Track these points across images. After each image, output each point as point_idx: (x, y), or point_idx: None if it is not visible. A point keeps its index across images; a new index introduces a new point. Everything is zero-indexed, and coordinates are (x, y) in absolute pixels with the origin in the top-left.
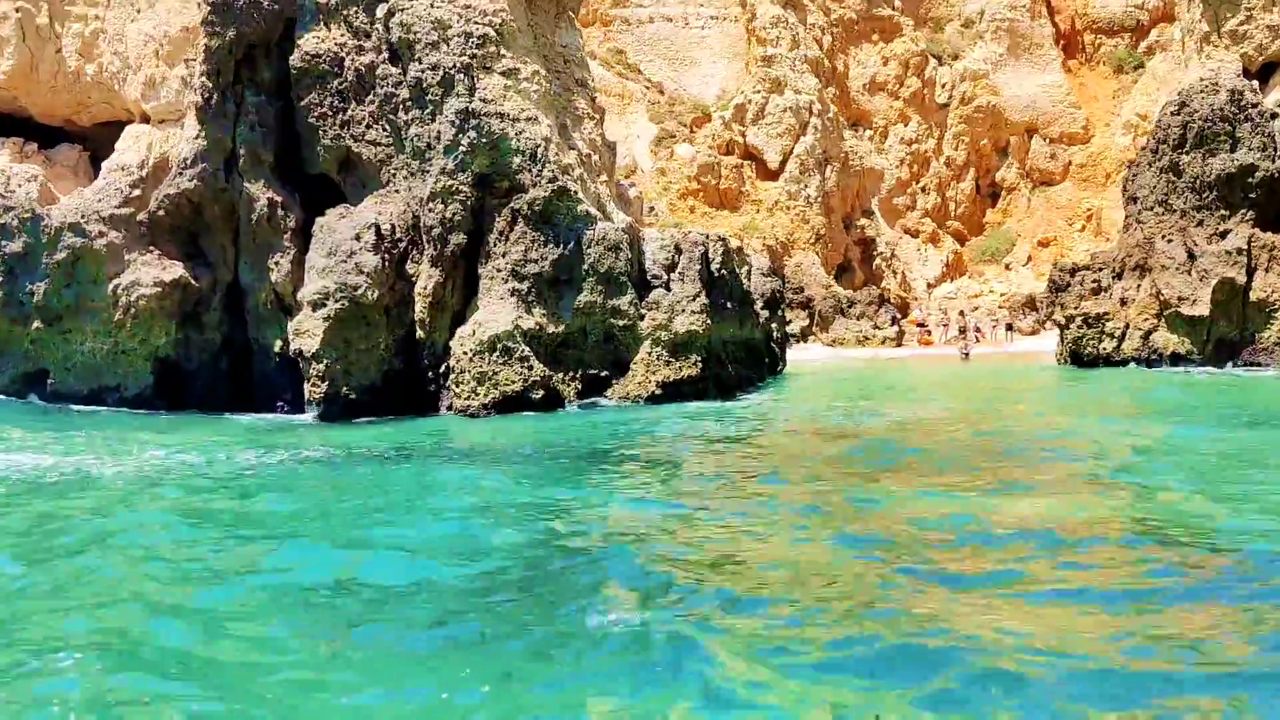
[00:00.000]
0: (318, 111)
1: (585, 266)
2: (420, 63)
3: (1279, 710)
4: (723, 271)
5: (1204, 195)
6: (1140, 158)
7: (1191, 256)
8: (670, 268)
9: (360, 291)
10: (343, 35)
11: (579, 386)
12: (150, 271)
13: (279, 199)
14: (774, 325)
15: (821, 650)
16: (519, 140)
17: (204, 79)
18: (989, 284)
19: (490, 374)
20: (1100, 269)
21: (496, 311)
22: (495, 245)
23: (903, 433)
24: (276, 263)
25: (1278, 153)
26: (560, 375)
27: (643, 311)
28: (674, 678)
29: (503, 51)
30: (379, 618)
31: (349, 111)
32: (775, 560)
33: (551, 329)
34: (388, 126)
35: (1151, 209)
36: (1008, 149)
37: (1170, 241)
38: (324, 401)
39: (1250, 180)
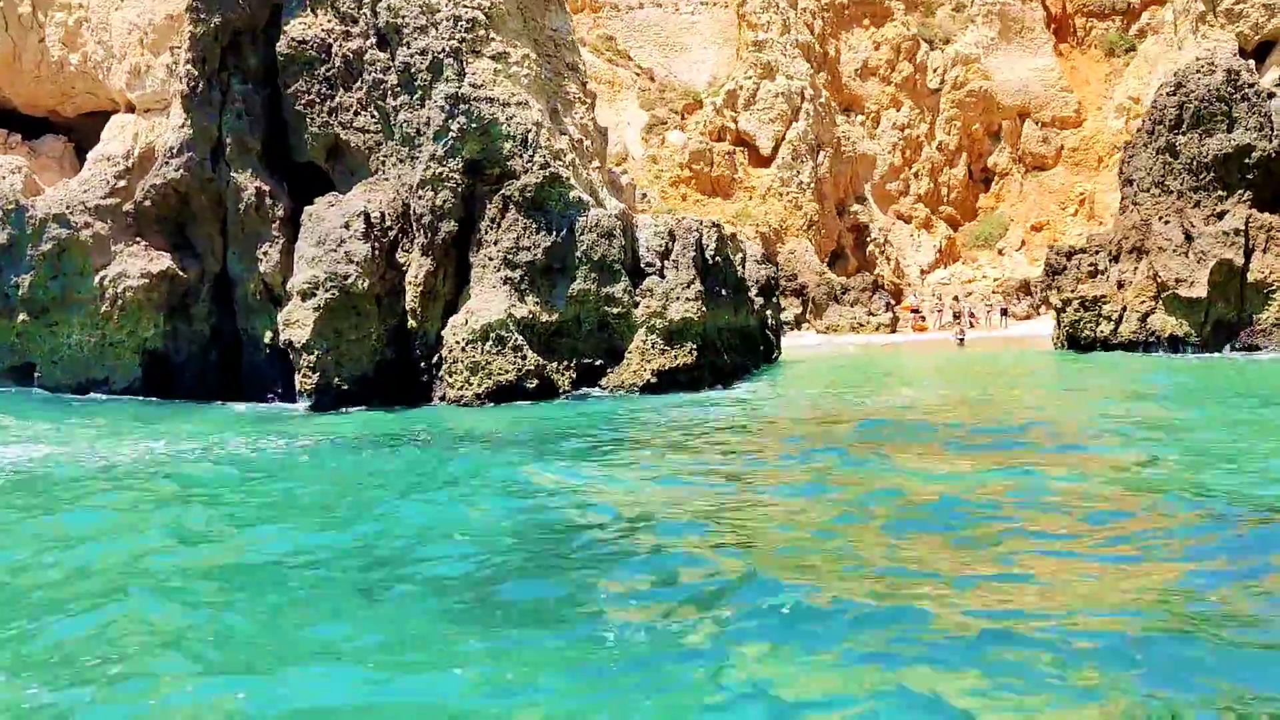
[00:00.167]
0: (305, 99)
1: (578, 254)
2: (409, 47)
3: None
4: (717, 258)
5: (1201, 176)
6: (1136, 139)
7: (1189, 238)
8: (664, 255)
9: (350, 281)
10: (330, 21)
11: (573, 376)
12: (137, 263)
13: (267, 188)
14: (769, 312)
15: (843, 624)
16: (510, 125)
17: (189, 67)
18: (982, 269)
19: (483, 364)
20: (1097, 252)
21: (489, 300)
22: (487, 233)
23: (907, 415)
24: (265, 253)
25: (1275, 132)
26: (554, 364)
27: (637, 299)
28: (685, 657)
29: (492, 35)
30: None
31: (337, 98)
32: (789, 537)
33: (545, 317)
34: (376, 113)
35: (1148, 191)
36: (1000, 133)
37: (1167, 223)
38: (315, 393)
39: (1247, 160)
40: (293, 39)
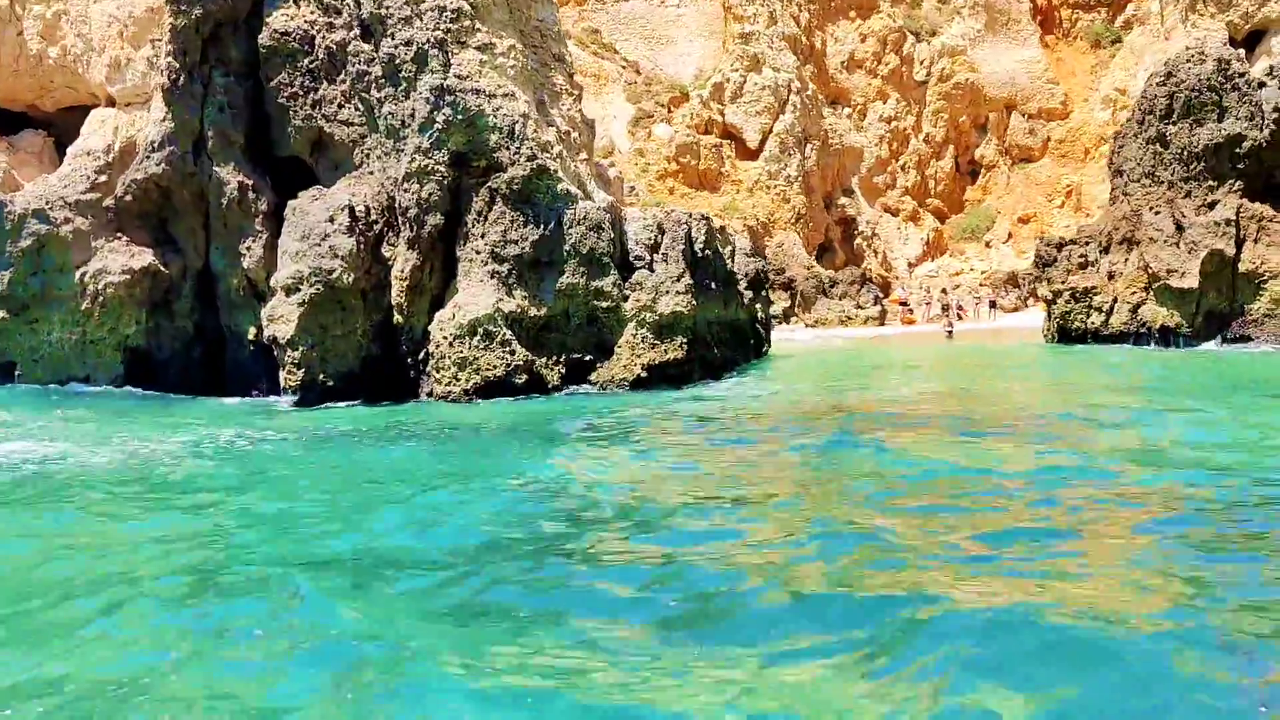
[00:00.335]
0: (288, 91)
1: (567, 247)
2: (393, 38)
3: None
4: (707, 251)
5: (1191, 166)
6: (1126, 129)
7: (1180, 228)
8: (653, 248)
9: (335, 275)
10: (313, 12)
11: (563, 370)
12: (118, 259)
13: (250, 182)
14: (758, 306)
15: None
16: (496, 117)
17: (170, 59)
18: (969, 262)
19: (471, 359)
20: (1087, 243)
21: (476, 294)
22: (474, 226)
23: (905, 407)
24: (248, 247)
25: (1265, 122)
26: (543, 359)
27: (626, 293)
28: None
29: (478, 26)
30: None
31: (320, 91)
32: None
33: (533, 312)
34: (360, 105)
35: (1138, 181)
36: (986, 125)
37: (1158, 213)
38: (300, 389)
39: (1238, 150)
40: (275, 30)
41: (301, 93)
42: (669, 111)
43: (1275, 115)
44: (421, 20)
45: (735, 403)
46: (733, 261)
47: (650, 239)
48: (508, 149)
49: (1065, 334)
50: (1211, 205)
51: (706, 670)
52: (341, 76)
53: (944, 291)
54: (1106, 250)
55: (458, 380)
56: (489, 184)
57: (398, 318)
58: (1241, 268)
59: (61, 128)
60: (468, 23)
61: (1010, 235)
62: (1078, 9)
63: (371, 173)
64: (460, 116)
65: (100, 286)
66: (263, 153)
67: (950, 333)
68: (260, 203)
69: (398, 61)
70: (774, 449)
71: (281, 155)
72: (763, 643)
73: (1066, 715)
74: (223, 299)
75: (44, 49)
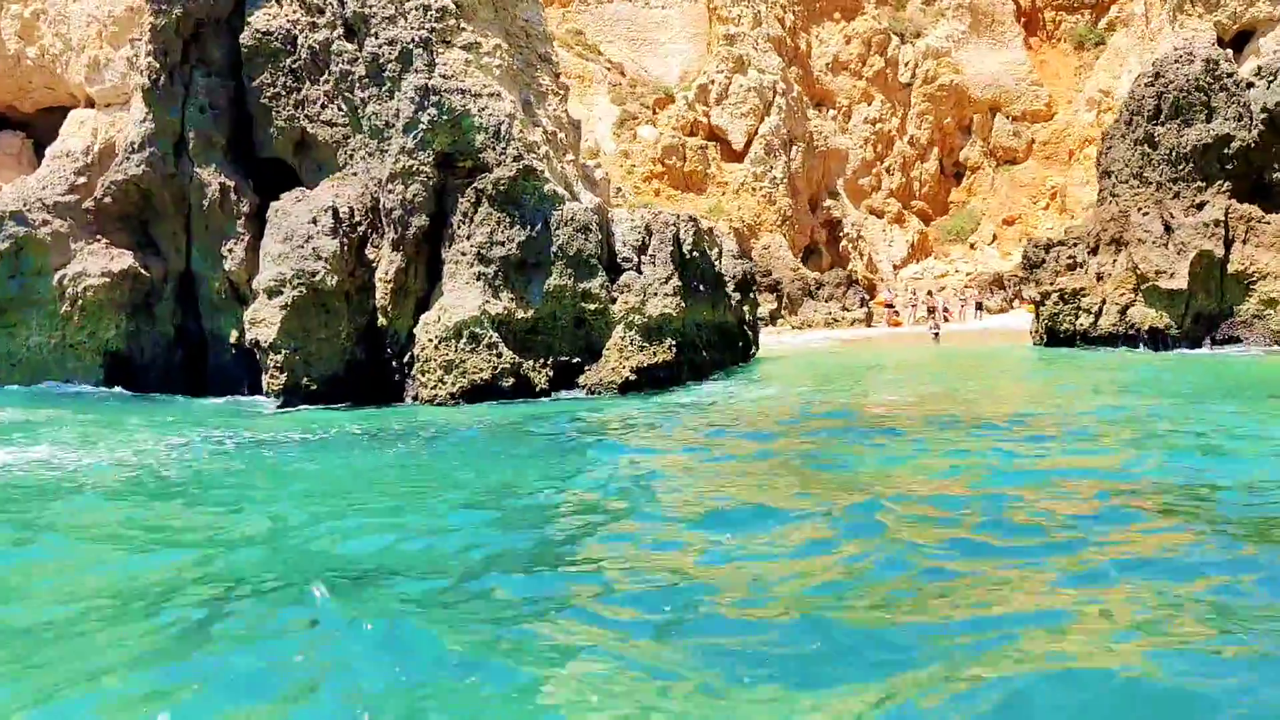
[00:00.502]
0: (271, 91)
1: (554, 248)
2: (377, 38)
3: None
4: (694, 253)
5: (1180, 167)
6: (1114, 130)
7: (1168, 229)
8: (641, 249)
9: (318, 278)
10: (295, 11)
11: (550, 374)
12: (98, 261)
13: (231, 183)
14: (746, 308)
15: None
16: (481, 117)
17: (150, 59)
18: (954, 264)
19: (457, 362)
20: (1075, 244)
21: (462, 296)
22: (459, 227)
23: (896, 411)
24: (230, 250)
25: (1254, 122)
26: (530, 362)
27: (614, 295)
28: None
29: (463, 25)
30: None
31: (303, 91)
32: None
33: (520, 314)
34: (344, 106)
35: (1126, 182)
36: (971, 127)
37: (1146, 214)
38: (283, 393)
39: (1226, 151)
40: (257, 30)
41: (284, 93)
42: (654, 113)
43: (1264, 116)
44: (406, 19)
45: (725, 406)
46: (720, 263)
47: (638, 240)
48: (494, 149)
49: (1054, 335)
50: (1200, 206)
51: (717, 689)
52: (325, 76)
53: (930, 293)
54: (1095, 251)
55: (443, 383)
56: (475, 185)
57: (382, 320)
58: (1230, 269)
59: (40, 129)
60: (452, 22)
61: (995, 237)
62: (1061, 11)
63: (355, 174)
64: (445, 117)
65: (80, 290)
66: (245, 154)
67: (937, 335)
68: (242, 204)
69: (382, 61)
70: (768, 451)
71: (264, 156)
72: (776, 665)
73: None
74: (204, 302)
75: (22, 49)
